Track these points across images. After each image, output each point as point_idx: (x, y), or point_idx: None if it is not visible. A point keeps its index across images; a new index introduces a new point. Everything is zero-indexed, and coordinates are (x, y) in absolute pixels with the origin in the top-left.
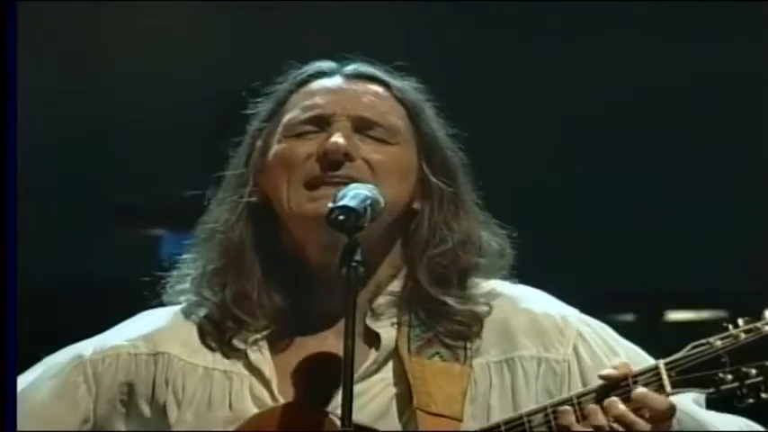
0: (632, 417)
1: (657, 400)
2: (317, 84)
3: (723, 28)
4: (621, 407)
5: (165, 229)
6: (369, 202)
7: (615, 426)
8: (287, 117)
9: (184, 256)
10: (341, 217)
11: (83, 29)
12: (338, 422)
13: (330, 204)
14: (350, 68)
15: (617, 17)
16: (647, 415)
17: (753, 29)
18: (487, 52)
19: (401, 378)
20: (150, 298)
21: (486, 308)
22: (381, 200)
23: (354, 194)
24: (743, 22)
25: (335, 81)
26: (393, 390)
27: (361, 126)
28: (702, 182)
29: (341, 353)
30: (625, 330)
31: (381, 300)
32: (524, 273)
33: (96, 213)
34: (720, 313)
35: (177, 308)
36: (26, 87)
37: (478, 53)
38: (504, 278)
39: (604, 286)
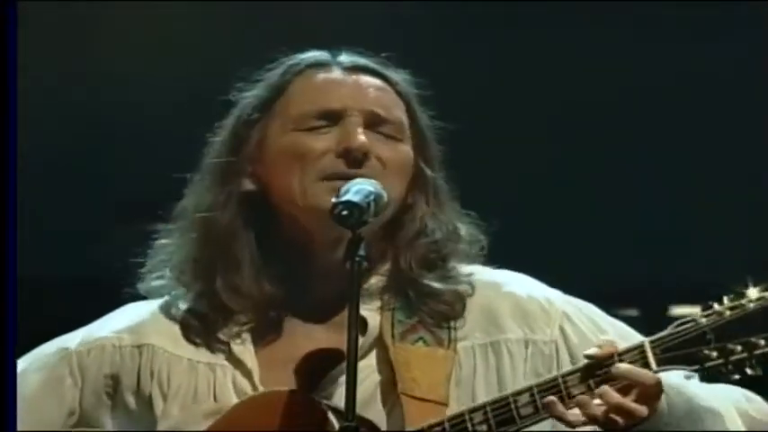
0: (630, 404)
1: (644, 375)
2: (319, 76)
3: (725, 27)
4: (617, 396)
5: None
6: (372, 197)
7: (612, 416)
8: (294, 110)
9: (160, 242)
10: (344, 212)
11: (84, 26)
12: (325, 407)
13: (334, 199)
14: (347, 60)
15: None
16: (633, 395)
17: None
18: (487, 50)
19: (385, 364)
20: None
21: (467, 287)
22: (385, 195)
23: (358, 189)
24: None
25: (336, 73)
26: (378, 376)
27: (373, 122)
28: (704, 179)
29: (329, 345)
30: (629, 326)
31: (367, 285)
32: (526, 267)
33: (98, 209)
34: None
35: (160, 301)
36: (27, 84)
37: (480, 51)
38: (485, 263)
39: (608, 281)
